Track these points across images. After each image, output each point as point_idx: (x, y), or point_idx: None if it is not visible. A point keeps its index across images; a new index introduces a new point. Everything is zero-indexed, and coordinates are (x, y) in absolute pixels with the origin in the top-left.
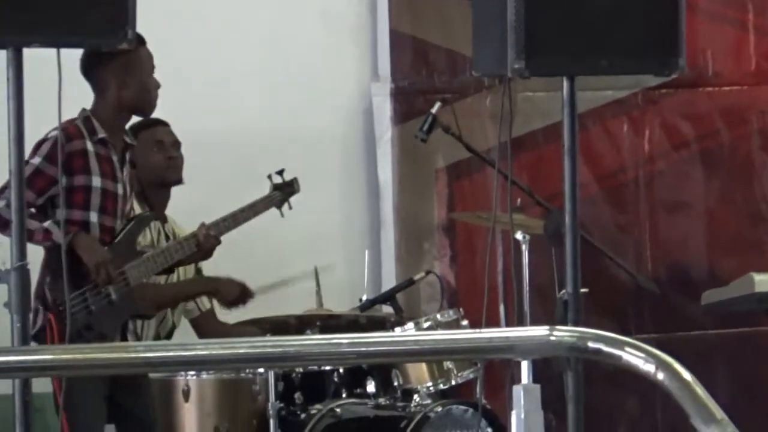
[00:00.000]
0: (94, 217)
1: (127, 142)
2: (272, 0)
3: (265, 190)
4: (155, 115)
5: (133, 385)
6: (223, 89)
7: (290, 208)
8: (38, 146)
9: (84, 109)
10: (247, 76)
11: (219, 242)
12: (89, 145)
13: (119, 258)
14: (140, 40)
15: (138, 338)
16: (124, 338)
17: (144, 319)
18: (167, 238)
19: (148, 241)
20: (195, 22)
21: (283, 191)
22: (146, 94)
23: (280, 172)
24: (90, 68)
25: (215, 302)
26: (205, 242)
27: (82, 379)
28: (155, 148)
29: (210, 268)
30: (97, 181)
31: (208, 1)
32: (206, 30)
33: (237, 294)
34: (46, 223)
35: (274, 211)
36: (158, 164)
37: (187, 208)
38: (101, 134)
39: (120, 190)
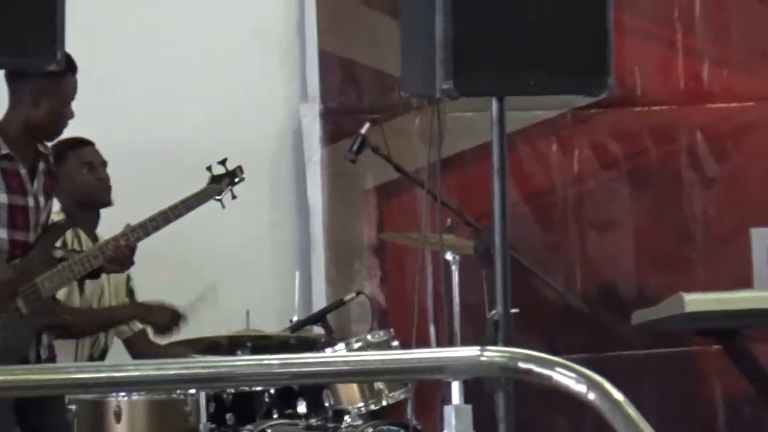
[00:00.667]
0: (2, 233)
1: (41, 151)
2: (205, 18)
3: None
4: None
5: (45, 405)
6: (154, 105)
7: (233, 197)
8: None
9: None
10: (177, 94)
11: (131, 252)
12: None
13: (32, 270)
14: (70, 68)
15: (51, 351)
16: (36, 352)
17: (66, 336)
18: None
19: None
20: (127, 35)
21: (222, 183)
22: (55, 122)
23: (223, 162)
24: (11, 79)
25: None
26: (115, 252)
27: None
28: (85, 170)
29: (137, 288)
30: (3, 198)
31: (142, 15)
32: (139, 44)
33: (168, 319)
34: None
35: (208, 230)
36: (89, 185)
37: (119, 224)
38: (4, 150)
39: (31, 203)
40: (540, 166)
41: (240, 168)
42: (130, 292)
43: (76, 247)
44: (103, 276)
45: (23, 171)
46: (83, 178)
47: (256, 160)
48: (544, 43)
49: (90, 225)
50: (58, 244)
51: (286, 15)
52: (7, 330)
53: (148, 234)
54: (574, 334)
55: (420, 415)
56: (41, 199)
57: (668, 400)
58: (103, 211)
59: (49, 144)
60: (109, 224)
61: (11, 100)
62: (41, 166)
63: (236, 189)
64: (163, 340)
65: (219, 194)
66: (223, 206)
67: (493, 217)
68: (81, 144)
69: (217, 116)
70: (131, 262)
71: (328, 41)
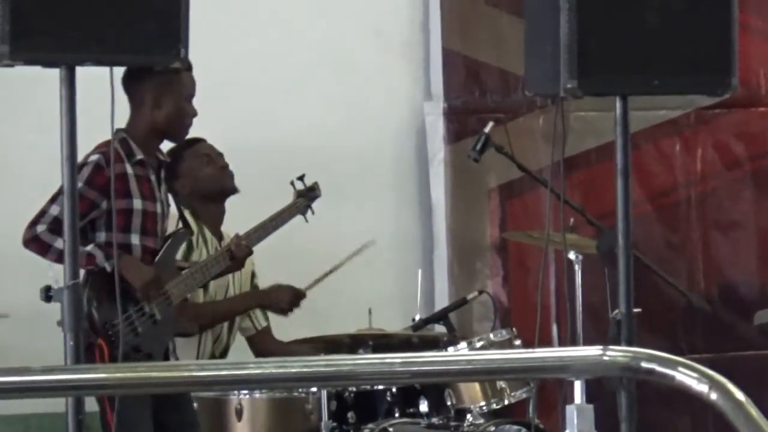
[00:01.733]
0: (135, 239)
1: (161, 160)
2: (327, 18)
3: (317, 207)
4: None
5: (177, 403)
6: (278, 105)
7: (313, 213)
8: (78, 170)
9: (119, 130)
10: (301, 93)
11: (251, 252)
12: (128, 168)
13: (161, 277)
14: (187, 66)
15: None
16: (166, 358)
17: (186, 336)
18: None
19: (203, 257)
20: (249, 38)
21: (306, 197)
22: (179, 119)
23: (301, 177)
24: (129, 82)
25: (271, 320)
26: (237, 252)
27: (131, 397)
28: (204, 161)
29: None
30: (138, 204)
31: (263, 17)
32: (262, 45)
33: (289, 299)
34: (89, 247)
35: (330, 229)
36: (213, 176)
37: (235, 228)
38: (139, 155)
39: (159, 209)
40: (663, 165)
41: (317, 184)
42: (253, 276)
43: (202, 246)
44: (228, 275)
45: (152, 177)
46: (205, 171)
47: (379, 158)
48: (667, 43)
49: (215, 221)
50: (182, 248)
51: (410, 14)
52: (146, 337)
53: (253, 244)
54: (697, 335)
55: (541, 414)
56: (165, 207)
57: None
58: (236, 208)
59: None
60: (229, 219)
61: (133, 105)
62: (162, 173)
63: (361, 186)
64: (285, 337)
65: (305, 211)
66: (306, 221)
67: (616, 217)
68: (194, 142)
69: (342, 115)
70: (243, 264)
71: (451, 40)
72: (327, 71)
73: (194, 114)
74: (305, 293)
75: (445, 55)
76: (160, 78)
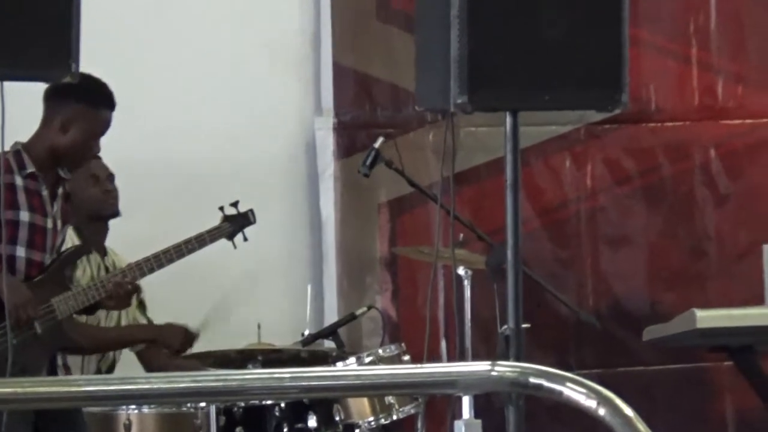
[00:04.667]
0: (21, 251)
1: (61, 176)
2: (218, 31)
3: (210, 220)
4: None
5: (65, 418)
6: (167, 118)
7: (245, 239)
8: None
9: (16, 143)
10: (190, 107)
11: (136, 289)
12: (18, 180)
13: (47, 291)
14: (108, 102)
15: (67, 371)
16: (53, 372)
17: (76, 354)
18: (107, 270)
19: (88, 275)
20: (140, 50)
21: (235, 223)
22: (79, 152)
23: (235, 204)
24: (47, 99)
25: None
26: (116, 290)
27: (12, 413)
28: (91, 182)
29: (151, 301)
30: (25, 216)
31: (156, 29)
32: (153, 57)
33: (180, 340)
34: None
35: (219, 244)
36: (95, 198)
37: (130, 239)
38: (30, 169)
39: (50, 224)
40: (553, 181)
41: (251, 211)
42: (141, 305)
43: (86, 264)
44: None
45: (45, 192)
46: (89, 191)
47: (269, 172)
48: (558, 59)
49: (99, 239)
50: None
51: (301, 29)
52: (23, 351)
53: (153, 271)
54: (586, 350)
55: (430, 429)
56: (59, 223)
57: (680, 416)
58: (115, 225)
59: None
60: (121, 236)
61: (43, 120)
62: (60, 190)
63: (251, 201)
64: None
65: (232, 236)
66: (235, 246)
67: (506, 232)
68: None
69: (231, 130)
70: (128, 304)
71: (343, 54)
72: (217, 85)
73: (97, 152)
74: (197, 335)
75: (335, 69)
76: (77, 107)
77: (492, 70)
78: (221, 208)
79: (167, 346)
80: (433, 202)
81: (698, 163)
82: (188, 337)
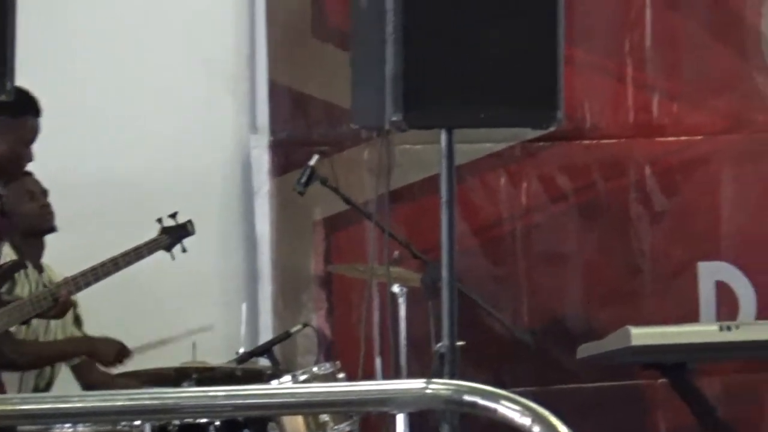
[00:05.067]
0: None
1: None
2: (152, 48)
3: (148, 235)
4: None
5: None
6: (102, 136)
7: (183, 250)
8: None
9: None
10: (125, 125)
11: (72, 304)
12: None
13: None
14: (33, 110)
15: (3, 390)
16: None
17: (12, 370)
18: (45, 287)
19: (26, 291)
20: (74, 67)
21: (173, 234)
22: (12, 162)
23: (173, 215)
24: None
25: None
26: (63, 303)
27: None
28: (27, 198)
29: (88, 317)
30: None
31: (89, 45)
32: (88, 74)
33: (114, 354)
34: None
35: (155, 262)
36: (32, 213)
37: (67, 254)
38: None
39: None
40: (488, 198)
41: (190, 222)
42: (77, 320)
43: (24, 280)
44: None
45: None
46: (25, 207)
47: (204, 190)
48: (494, 76)
49: (35, 254)
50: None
51: (237, 46)
52: None
53: (90, 284)
54: (521, 368)
55: None
56: None
57: None
58: (51, 241)
59: None
60: (57, 252)
61: None
62: None
63: (186, 218)
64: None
65: (170, 248)
66: (173, 258)
67: (441, 250)
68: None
69: (167, 147)
70: (65, 314)
71: (278, 72)
72: (152, 102)
73: (30, 159)
74: (131, 352)
75: (271, 87)
76: (3, 118)
77: (427, 87)
78: (159, 220)
79: (101, 359)
80: (368, 219)
81: (633, 181)
82: (123, 351)
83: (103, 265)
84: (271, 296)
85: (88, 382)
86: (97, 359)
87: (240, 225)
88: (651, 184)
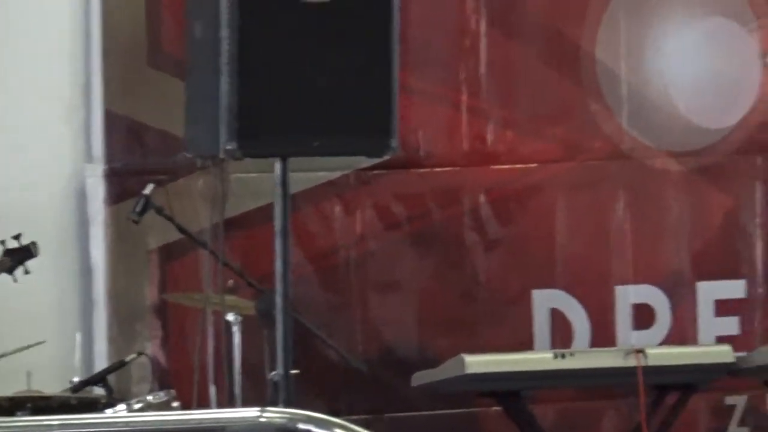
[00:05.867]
0: None
1: None
2: None
3: None
4: None
5: None
6: None
7: (26, 272)
8: None
9: None
10: None
11: None
12: None
13: None
14: None
15: None
16: None
17: None
18: None
19: None
20: None
21: (15, 256)
22: None
23: (17, 237)
24: None
25: None
26: None
27: None
28: None
29: None
30: None
31: None
32: None
33: None
34: None
35: None
36: None
37: None
38: None
39: None
40: (323, 227)
41: (34, 243)
42: None
43: None
44: None
45: None
46: None
47: (40, 219)
48: (328, 105)
49: None
50: None
51: (72, 75)
52: None
53: None
54: (356, 395)
55: None
56: None
57: None
58: None
59: None
60: None
61: None
62: None
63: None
64: None
65: (12, 270)
66: (15, 280)
67: (276, 278)
68: None
69: (2, 176)
70: None
71: (114, 102)
72: None
73: None
74: None
75: (107, 117)
76: None
77: (261, 116)
78: (2, 242)
79: None
80: (203, 248)
81: (468, 209)
82: None
83: None
84: (106, 325)
85: None
86: None
87: (75, 253)
88: (485, 212)
